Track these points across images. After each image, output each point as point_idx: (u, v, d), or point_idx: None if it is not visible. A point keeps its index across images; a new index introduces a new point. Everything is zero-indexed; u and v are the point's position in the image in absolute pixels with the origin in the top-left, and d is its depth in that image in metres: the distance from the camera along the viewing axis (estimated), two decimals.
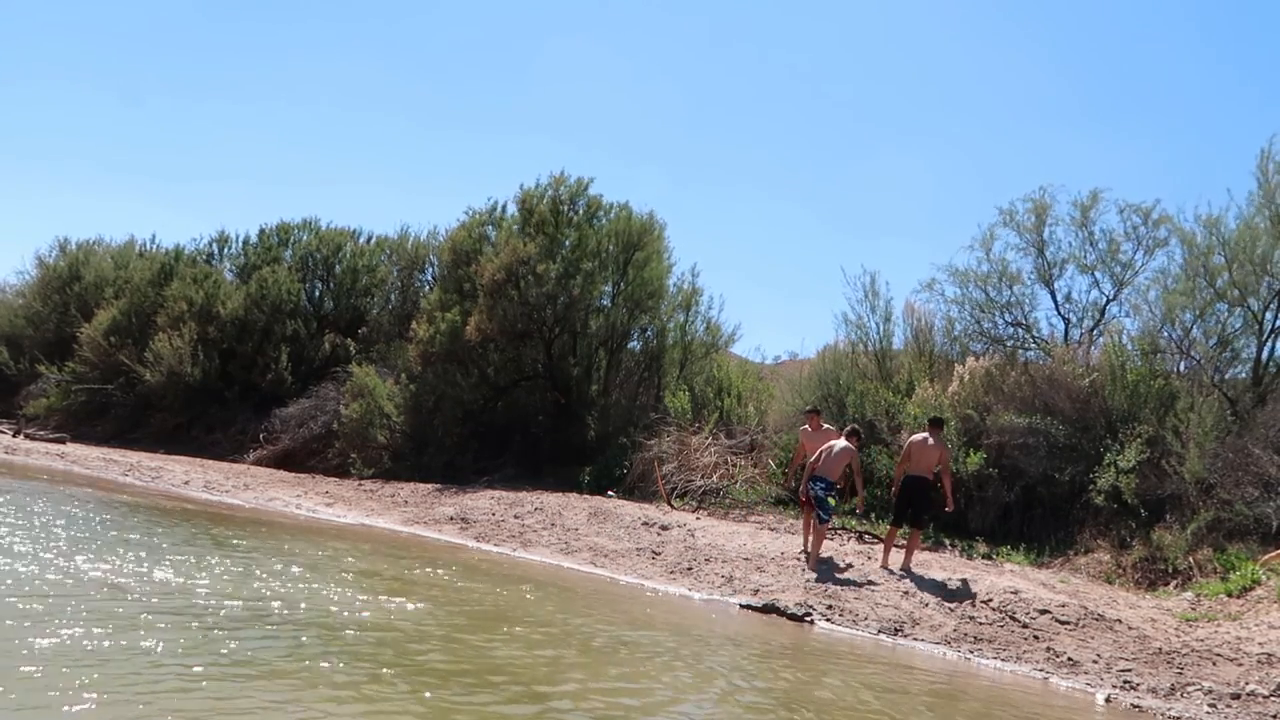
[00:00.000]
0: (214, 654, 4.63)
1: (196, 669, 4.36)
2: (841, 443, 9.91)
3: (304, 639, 5.21)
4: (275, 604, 6.06)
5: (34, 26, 73.67)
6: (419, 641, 5.59)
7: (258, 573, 7.15)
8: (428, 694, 4.45)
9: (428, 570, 8.62)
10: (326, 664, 4.75)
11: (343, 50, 76.86)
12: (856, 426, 10.59)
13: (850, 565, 9.78)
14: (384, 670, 4.78)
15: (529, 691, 4.81)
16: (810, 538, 9.93)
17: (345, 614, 6.07)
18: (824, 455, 9.83)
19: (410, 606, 6.59)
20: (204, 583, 6.46)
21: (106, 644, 4.55)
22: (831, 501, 9.85)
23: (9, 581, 5.62)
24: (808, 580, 9.26)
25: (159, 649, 4.59)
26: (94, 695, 3.78)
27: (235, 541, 8.73)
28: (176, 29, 77.63)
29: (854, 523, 11.28)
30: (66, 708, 3.62)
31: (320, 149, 78.86)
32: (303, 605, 6.15)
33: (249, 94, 77.60)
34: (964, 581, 8.99)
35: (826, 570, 9.56)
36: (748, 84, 75.01)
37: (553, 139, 74.56)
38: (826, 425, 10.67)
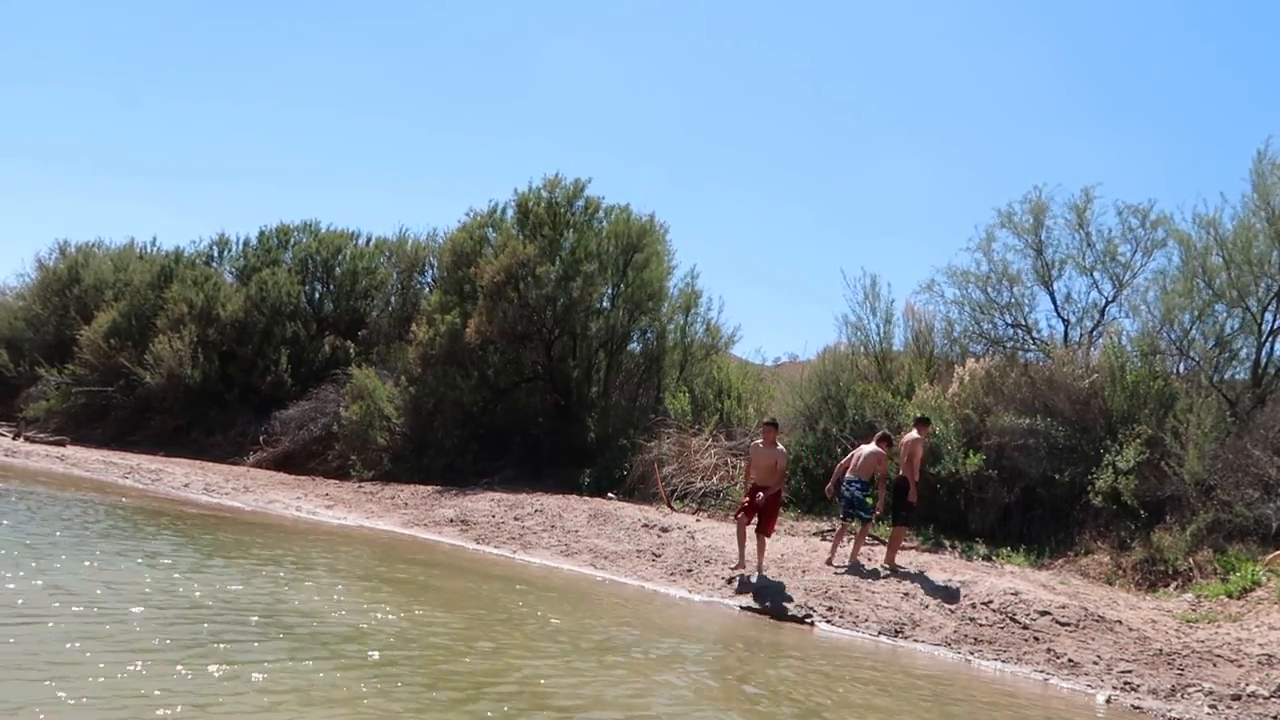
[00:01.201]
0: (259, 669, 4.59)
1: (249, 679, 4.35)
2: (870, 447, 10.13)
3: (346, 656, 5.12)
4: (308, 618, 5.99)
5: (32, 28, 73.74)
6: (458, 655, 5.54)
7: (280, 577, 7.14)
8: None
9: (440, 574, 8.62)
10: (367, 686, 4.61)
11: (342, 51, 76.91)
12: (888, 432, 10.67)
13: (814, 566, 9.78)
14: (433, 693, 4.65)
15: (546, 701, 4.82)
16: (847, 539, 10.13)
17: (373, 625, 6.03)
18: (855, 460, 10.07)
19: (441, 617, 6.58)
20: (236, 593, 6.46)
21: (172, 658, 4.52)
22: (870, 500, 10.03)
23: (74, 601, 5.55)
24: (837, 569, 9.27)
25: (218, 666, 4.58)
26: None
27: (256, 550, 8.66)
28: (175, 30, 77.69)
29: (855, 525, 11.28)
30: None
31: (320, 150, 78.89)
32: (333, 617, 6.11)
33: (248, 95, 77.64)
34: (964, 583, 9.00)
35: (832, 571, 9.57)
36: (747, 84, 75.10)
37: (552, 140, 74.63)
38: (780, 445, 10.01)
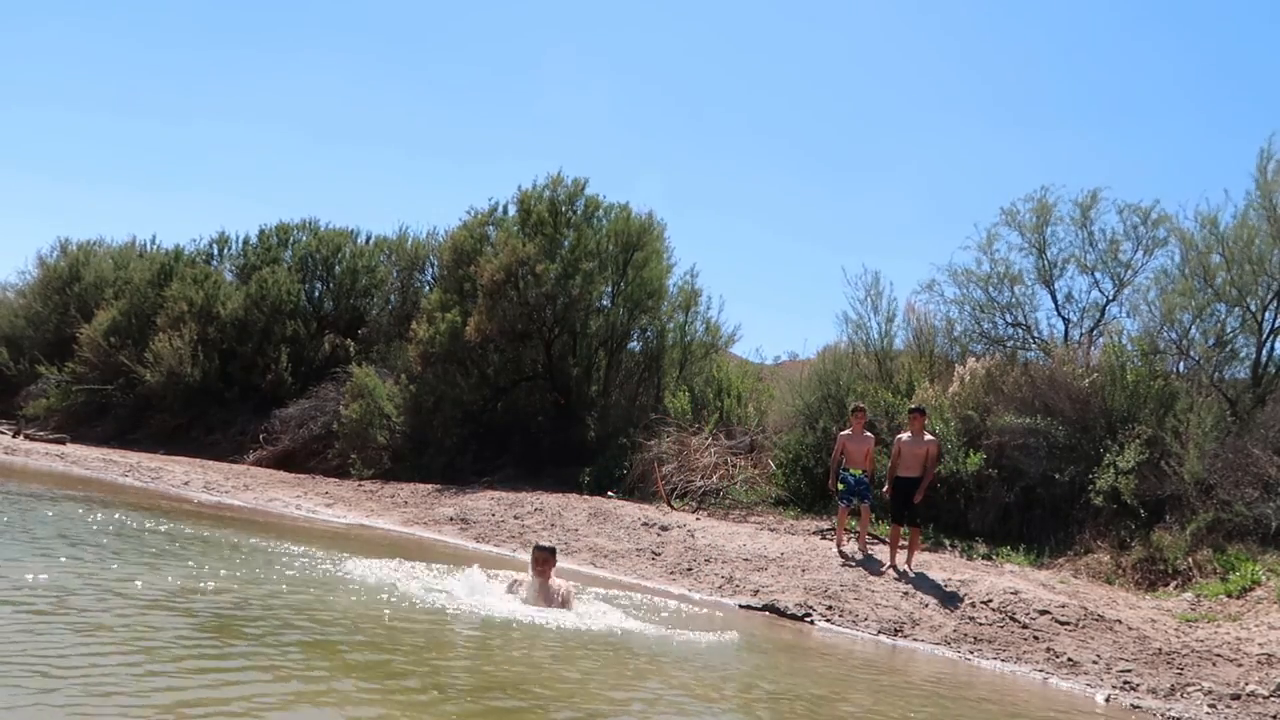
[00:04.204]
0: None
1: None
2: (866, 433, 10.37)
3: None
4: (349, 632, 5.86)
5: (31, 19, 73.65)
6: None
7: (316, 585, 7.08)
8: None
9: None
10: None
11: (343, 50, 76.79)
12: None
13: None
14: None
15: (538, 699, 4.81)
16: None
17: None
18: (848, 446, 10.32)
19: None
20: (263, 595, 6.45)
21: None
22: (840, 487, 10.20)
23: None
24: (807, 580, 9.27)
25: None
26: None
27: (284, 552, 8.51)
28: (174, 26, 77.59)
29: (853, 523, 11.28)
30: None
31: (319, 149, 78.77)
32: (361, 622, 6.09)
33: (248, 91, 77.51)
34: (964, 582, 9.00)
35: (834, 568, 9.57)
36: (747, 82, 75.00)
37: (553, 140, 74.50)
38: None
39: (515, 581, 7.36)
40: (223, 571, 6.91)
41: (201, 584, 6.29)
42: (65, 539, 7.48)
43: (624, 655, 6.05)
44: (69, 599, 5.31)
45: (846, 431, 10.32)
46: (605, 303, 17.50)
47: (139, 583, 6.01)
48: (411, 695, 4.42)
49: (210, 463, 18.61)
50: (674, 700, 5.17)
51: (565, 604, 7.07)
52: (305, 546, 8.82)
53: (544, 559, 7.20)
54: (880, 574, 9.41)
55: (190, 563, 7.13)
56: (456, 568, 8.11)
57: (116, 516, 9.32)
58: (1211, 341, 11.83)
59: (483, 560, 10.16)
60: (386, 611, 6.25)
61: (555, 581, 7.22)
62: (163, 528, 8.97)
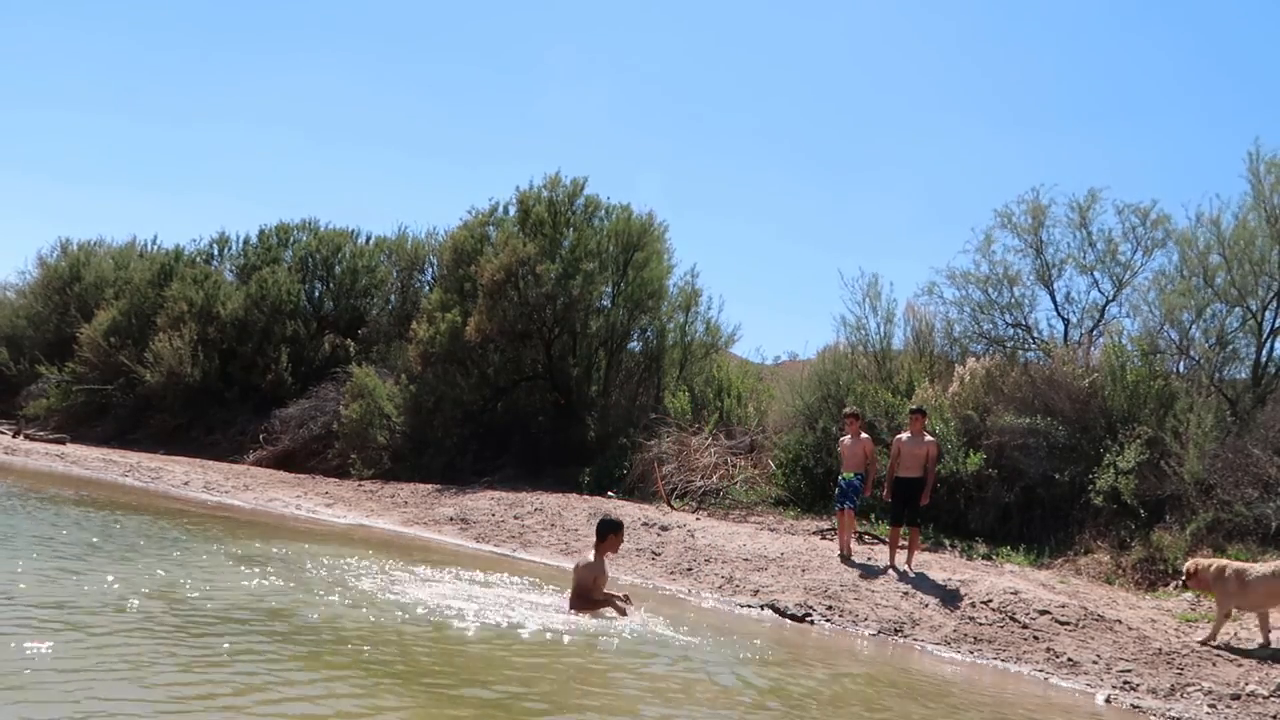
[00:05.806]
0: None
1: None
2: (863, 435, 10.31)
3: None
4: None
5: (31, 19, 73.61)
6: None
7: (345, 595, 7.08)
8: None
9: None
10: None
11: (344, 50, 76.77)
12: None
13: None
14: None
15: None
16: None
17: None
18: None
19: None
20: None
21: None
22: (836, 490, 10.19)
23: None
24: (806, 581, 9.27)
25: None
26: None
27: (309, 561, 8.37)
28: (174, 28, 77.58)
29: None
30: None
31: (319, 149, 78.74)
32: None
33: (248, 91, 77.48)
34: (964, 582, 9.00)
35: (834, 568, 9.57)
36: (746, 81, 75.02)
37: (552, 141, 74.50)
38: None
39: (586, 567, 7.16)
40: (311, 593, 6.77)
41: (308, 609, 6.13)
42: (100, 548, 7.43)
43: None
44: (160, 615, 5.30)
45: (845, 438, 10.28)
46: (605, 303, 17.51)
47: (203, 599, 5.95)
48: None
49: (210, 463, 18.62)
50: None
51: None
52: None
53: (620, 539, 7.30)
54: (880, 574, 9.41)
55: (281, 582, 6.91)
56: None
57: (123, 520, 9.32)
58: (1211, 341, 11.83)
59: (483, 560, 10.19)
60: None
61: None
62: (231, 548, 8.72)
